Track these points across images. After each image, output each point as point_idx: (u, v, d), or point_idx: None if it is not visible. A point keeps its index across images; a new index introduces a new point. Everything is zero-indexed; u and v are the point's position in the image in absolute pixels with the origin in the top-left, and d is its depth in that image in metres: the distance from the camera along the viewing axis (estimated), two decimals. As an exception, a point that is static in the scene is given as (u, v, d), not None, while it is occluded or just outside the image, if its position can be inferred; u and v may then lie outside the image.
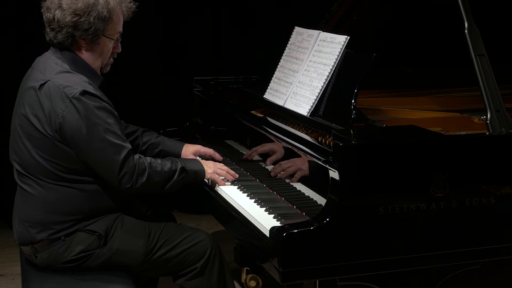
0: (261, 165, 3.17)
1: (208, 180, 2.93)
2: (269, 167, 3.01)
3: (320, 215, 2.42)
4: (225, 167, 2.96)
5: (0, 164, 4.51)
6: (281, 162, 2.90)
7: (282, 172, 2.89)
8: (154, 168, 2.70)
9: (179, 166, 2.78)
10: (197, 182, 2.90)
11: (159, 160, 2.76)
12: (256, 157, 3.25)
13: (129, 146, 2.67)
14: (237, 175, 2.98)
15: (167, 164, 2.75)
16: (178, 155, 3.14)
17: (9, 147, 2.79)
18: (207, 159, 3.12)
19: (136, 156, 2.68)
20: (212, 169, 2.91)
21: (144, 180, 2.66)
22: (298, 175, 2.79)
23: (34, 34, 4.05)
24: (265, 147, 3.07)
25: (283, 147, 2.88)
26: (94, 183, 2.69)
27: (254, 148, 3.16)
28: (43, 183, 2.67)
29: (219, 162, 3.13)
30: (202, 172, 2.87)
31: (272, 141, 2.96)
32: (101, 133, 2.59)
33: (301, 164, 2.77)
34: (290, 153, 2.83)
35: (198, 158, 3.14)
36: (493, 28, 3.18)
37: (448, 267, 2.61)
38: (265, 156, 3.10)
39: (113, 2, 2.71)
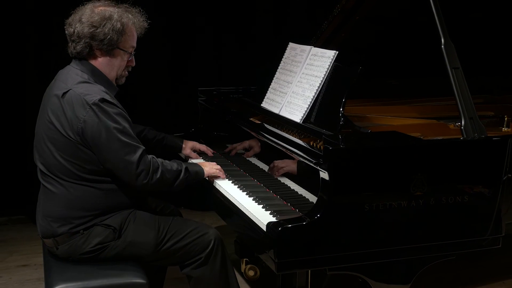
0: (259, 166, 3.18)
1: (207, 177, 3.00)
2: (251, 159, 3.20)
3: (312, 211, 2.43)
4: (218, 166, 3.05)
5: (25, 164, 4.56)
6: (275, 161, 2.99)
7: (275, 168, 2.99)
8: (165, 167, 2.74)
9: (184, 166, 2.83)
10: (198, 181, 2.95)
11: (167, 161, 2.79)
12: (255, 160, 3.27)
13: (143, 147, 2.70)
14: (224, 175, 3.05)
15: (174, 165, 2.79)
16: (179, 148, 3.39)
17: (33, 149, 2.79)
18: (200, 154, 3.38)
19: (150, 156, 2.71)
20: (208, 167, 3.00)
21: (158, 176, 2.69)
22: (286, 169, 2.92)
23: (55, 48, 4.10)
24: (244, 144, 3.34)
25: (260, 141, 3.06)
26: (110, 182, 2.70)
27: (234, 145, 3.39)
28: (64, 182, 2.68)
29: (211, 156, 3.38)
30: (201, 172, 2.94)
31: (252, 138, 3.22)
32: (118, 135, 2.61)
33: (291, 162, 2.89)
34: (269, 149, 2.95)
35: (200, 159, 3.29)
36: (468, 43, 3.20)
37: (426, 258, 2.63)
38: (261, 156, 3.12)
39: (126, 17, 2.74)
